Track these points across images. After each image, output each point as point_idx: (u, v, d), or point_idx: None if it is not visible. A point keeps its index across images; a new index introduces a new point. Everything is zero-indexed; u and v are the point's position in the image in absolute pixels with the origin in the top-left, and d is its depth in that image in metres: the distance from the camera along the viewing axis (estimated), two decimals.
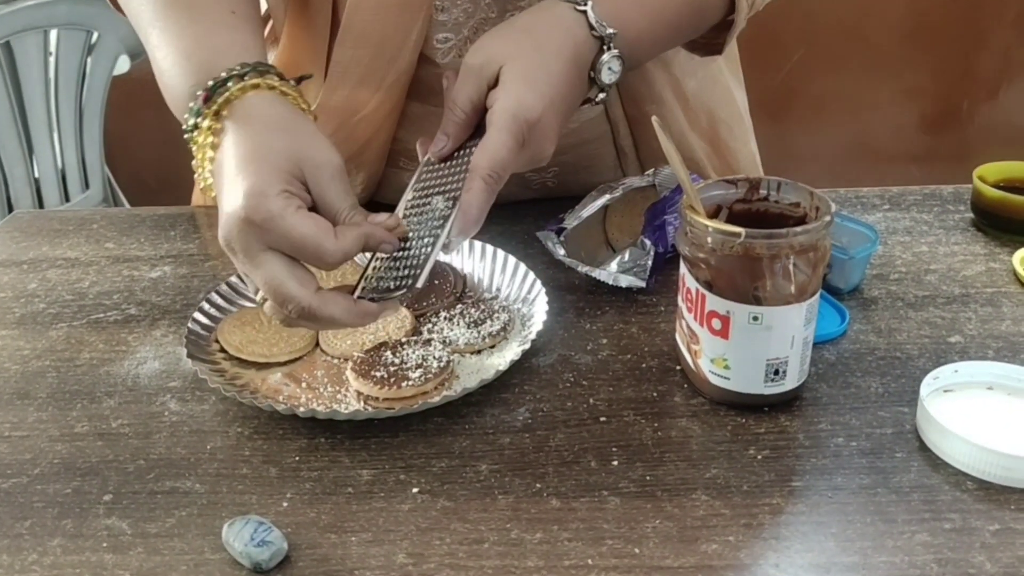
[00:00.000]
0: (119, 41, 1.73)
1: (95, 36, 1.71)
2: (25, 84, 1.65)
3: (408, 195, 0.60)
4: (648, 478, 0.52)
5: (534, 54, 0.59)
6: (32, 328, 0.70)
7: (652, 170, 0.78)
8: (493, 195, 0.57)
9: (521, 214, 0.81)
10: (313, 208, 0.54)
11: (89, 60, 1.73)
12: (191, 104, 0.56)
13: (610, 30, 0.61)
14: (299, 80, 0.60)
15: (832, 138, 2.17)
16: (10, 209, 1.69)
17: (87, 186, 1.84)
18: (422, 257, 0.54)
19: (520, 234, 0.77)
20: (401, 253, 0.56)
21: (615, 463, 0.54)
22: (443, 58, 0.72)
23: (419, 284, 0.53)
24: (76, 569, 0.47)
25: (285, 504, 0.51)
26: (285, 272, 0.51)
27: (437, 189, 0.59)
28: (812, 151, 2.19)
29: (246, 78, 0.55)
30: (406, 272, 0.54)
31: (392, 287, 0.54)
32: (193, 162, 0.57)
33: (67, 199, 1.81)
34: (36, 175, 1.75)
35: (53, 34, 1.66)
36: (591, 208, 0.74)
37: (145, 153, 2.18)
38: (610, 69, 0.62)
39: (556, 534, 0.49)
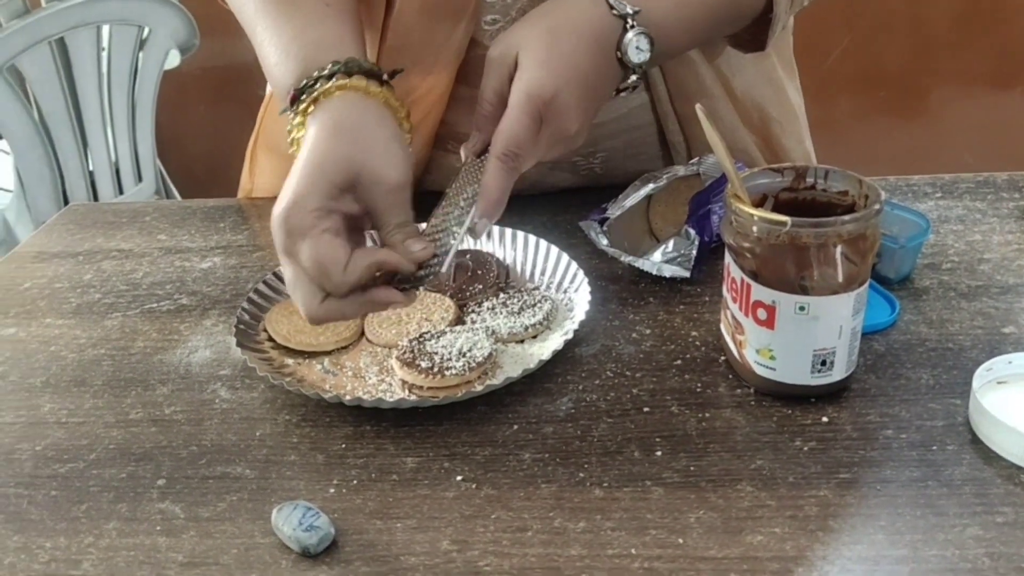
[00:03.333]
0: (169, 36, 1.76)
1: (146, 31, 1.74)
2: (79, 79, 1.69)
3: (445, 196, 0.61)
4: (692, 469, 0.52)
5: (547, 36, 0.59)
6: (88, 317, 0.72)
7: (697, 159, 0.77)
8: (512, 175, 0.57)
9: (564, 204, 0.81)
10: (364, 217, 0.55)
11: (141, 55, 1.76)
12: (281, 105, 0.58)
13: (630, 8, 0.60)
14: (392, 75, 0.60)
15: (885, 125, 2.12)
16: (66, 201, 1.73)
17: (140, 179, 1.88)
18: (447, 246, 0.56)
19: (563, 224, 0.77)
20: (432, 242, 0.57)
21: (659, 453, 0.53)
22: (491, 39, 0.73)
23: (443, 269, 0.55)
24: (131, 552, 0.49)
25: (332, 490, 0.52)
26: (301, 277, 0.54)
27: (469, 181, 0.59)
28: (864, 141, 2.15)
29: (334, 79, 0.56)
30: (433, 260, 0.56)
31: (420, 273, 0.55)
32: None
33: (121, 191, 1.85)
34: (91, 168, 1.79)
35: (105, 30, 1.69)
36: (635, 198, 0.74)
37: (195, 146, 2.23)
38: (638, 48, 0.61)
39: (599, 523, 0.49)
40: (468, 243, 0.74)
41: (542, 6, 0.62)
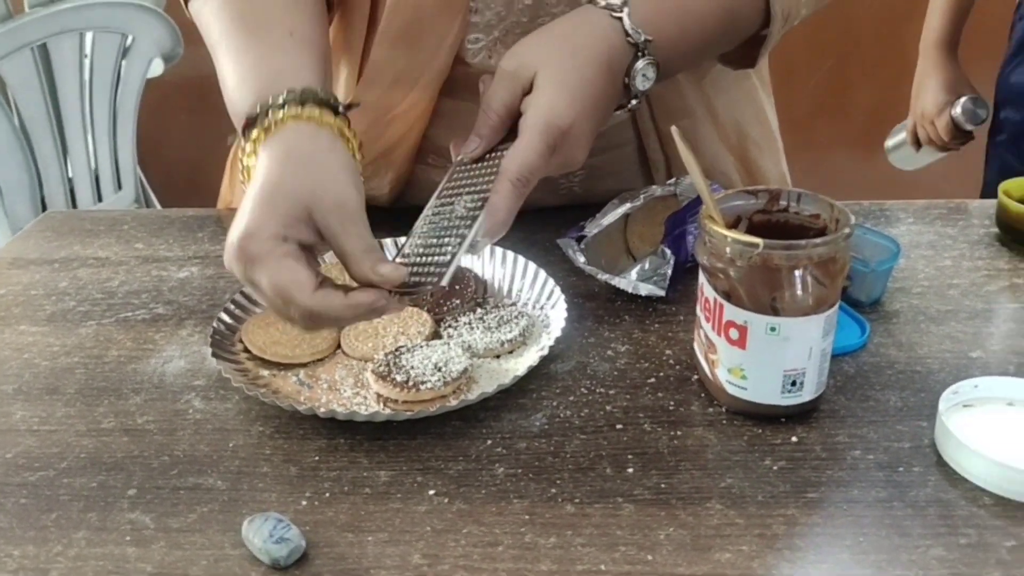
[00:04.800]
0: (153, 44, 1.76)
1: (130, 39, 1.74)
2: (61, 86, 1.68)
3: (437, 194, 0.61)
4: (663, 486, 0.53)
5: (569, 60, 0.59)
6: (62, 325, 0.71)
7: (674, 179, 0.78)
8: (521, 199, 0.58)
9: (543, 221, 0.81)
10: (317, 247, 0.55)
11: (124, 63, 1.76)
12: (247, 118, 0.57)
13: (645, 37, 0.61)
14: (348, 107, 0.60)
15: (861, 150, 2.15)
16: (44, 208, 1.72)
17: (120, 187, 1.87)
18: (448, 256, 0.55)
19: (541, 241, 0.78)
20: (429, 251, 0.57)
21: (630, 470, 0.54)
22: (473, 58, 0.73)
23: (443, 282, 0.54)
24: (100, 561, 0.49)
25: (304, 503, 0.52)
26: (266, 297, 0.53)
27: (467, 189, 0.59)
28: (840, 164, 2.18)
29: (286, 107, 0.56)
30: (431, 270, 0.55)
31: (418, 283, 0.55)
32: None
33: (100, 199, 1.84)
34: (70, 175, 1.78)
35: (89, 37, 1.69)
36: (612, 216, 0.74)
37: (176, 155, 2.22)
38: (644, 76, 0.62)
39: (570, 539, 0.49)
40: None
41: (558, 25, 0.63)
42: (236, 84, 0.60)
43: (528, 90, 0.59)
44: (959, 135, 1.35)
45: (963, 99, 1.32)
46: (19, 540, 0.50)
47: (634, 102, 0.64)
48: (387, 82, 0.74)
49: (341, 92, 0.80)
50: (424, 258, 0.57)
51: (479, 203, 0.57)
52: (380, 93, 0.74)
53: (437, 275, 0.54)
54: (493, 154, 0.61)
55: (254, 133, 0.56)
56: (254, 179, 0.55)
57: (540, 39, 0.62)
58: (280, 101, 0.56)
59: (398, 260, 0.58)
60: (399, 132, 0.77)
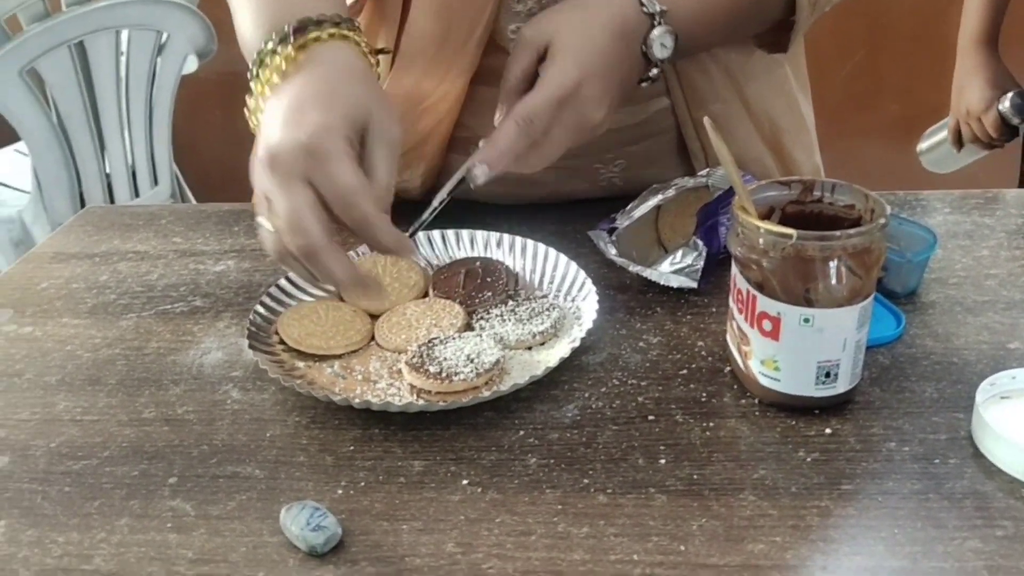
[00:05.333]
0: (187, 41, 1.78)
1: (164, 36, 1.76)
2: (98, 83, 1.71)
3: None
4: (695, 477, 0.53)
5: (580, 27, 0.63)
6: (103, 318, 0.73)
7: (706, 170, 0.78)
8: (522, 137, 0.60)
9: (574, 214, 0.82)
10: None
11: (159, 60, 1.79)
12: (273, 35, 0.56)
13: (659, 7, 0.64)
14: (377, 53, 0.63)
15: (894, 141, 2.12)
16: (83, 204, 1.75)
17: (156, 182, 1.90)
18: (451, 184, 0.62)
19: (572, 234, 0.78)
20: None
21: (663, 461, 0.54)
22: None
23: (435, 203, 0.62)
24: (142, 547, 0.50)
25: (340, 491, 0.53)
26: (313, 206, 0.52)
27: None
28: (873, 155, 2.15)
29: (340, 26, 0.57)
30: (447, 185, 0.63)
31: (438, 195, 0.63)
32: (250, 97, 0.58)
33: (137, 194, 1.87)
34: (107, 171, 1.81)
35: (124, 34, 1.72)
36: (643, 208, 0.74)
37: (211, 151, 2.24)
38: (662, 45, 0.65)
39: (602, 529, 0.49)
40: (478, 250, 0.75)
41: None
42: (255, 25, 0.61)
43: (544, 57, 0.63)
44: (1006, 131, 1.33)
45: (1010, 94, 1.30)
46: (63, 527, 0.52)
47: (655, 70, 0.66)
48: (418, 72, 0.75)
49: None
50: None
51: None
52: (412, 82, 0.75)
53: (451, 182, 0.61)
54: None
55: (302, 39, 0.56)
56: (306, 81, 0.55)
57: (558, 9, 0.65)
58: (333, 19, 0.57)
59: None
60: (430, 124, 0.78)
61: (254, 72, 0.58)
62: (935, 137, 1.46)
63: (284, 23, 0.57)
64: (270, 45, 0.57)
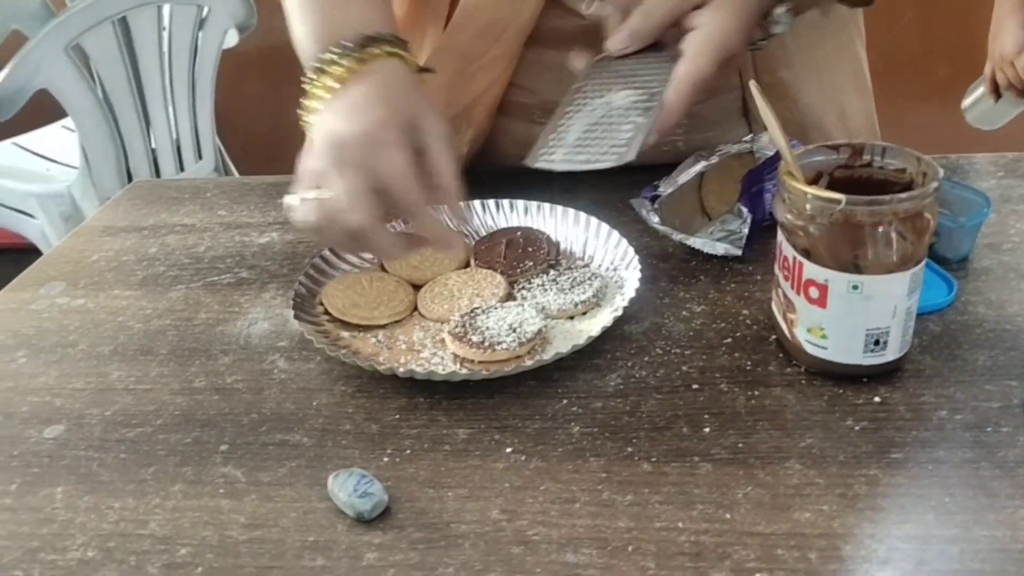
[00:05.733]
0: (228, 15, 1.79)
1: (206, 11, 1.77)
2: (141, 58, 1.73)
3: (578, 88, 0.66)
4: (740, 445, 0.52)
5: None
6: (153, 289, 0.74)
7: (750, 135, 0.77)
8: (690, 106, 0.62)
9: (615, 182, 0.81)
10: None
11: (200, 34, 1.80)
12: (333, 47, 0.60)
13: None
14: (423, 70, 0.65)
15: (947, 106, 2.07)
16: (130, 178, 1.78)
17: (200, 156, 1.92)
18: (627, 136, 0.60)
19: (614, 202, 0.77)
20: (593, 131, 0.62)
21: (707, 430, 0.54)
22: (587, 9, 0.74)
23: (629, 157, 0.59)
24: (196, 513, 0.51)
25: (386, 459, 0.54)
26: (368, 190, 0.55)
27: (621, 85, 0.64)
28: (924, 120, 2.09)
29: (395, 45, 0.61)
30: (603, 150, 0.60)
31: (591, 158, 0.60)
32: (305, 99, 0.61)
33: (182, 168, 1.89)
34: (153, 146, 1.84)
35: (166, 9, 1.73)
36: (687, 175, 0.73)
37: (253, 125, 2.27)
38: (782, 22, 0.66)
39: (647, 497, 0.49)
40: (518, 218, 0.74)
41: None
42: (312, 34, 0.63)
43: (699, 5, 0.63)
44: None
45: None
46: (120, 493, 0.53)
47: (764, 42, 0.67)
48: (473, 30, 0.75)
49: (427, 38, 0.83)
50: (590, 135, 0.61)
51: (645, 97, 0.62)
52: (467, 40, 0.75)
53: (615, 153, 0.59)
54: (639, 56, 0.66)
55: (364, 53, 0.59)
56: (369, 84, 0.59)
57: None
58: (390, 39, 0.61)
59: (550, 138, 0.63)
60: (482, 86, 0.78)
61: (312, 77, 0.61)
62: (976, 92, 1.41)
63: (343, 36, 0.60)
64: (329, 56, 0.60)
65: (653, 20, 0.64)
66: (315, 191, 0.56)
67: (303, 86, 0.61)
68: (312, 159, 0.57)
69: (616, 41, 0.65)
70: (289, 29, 0.66)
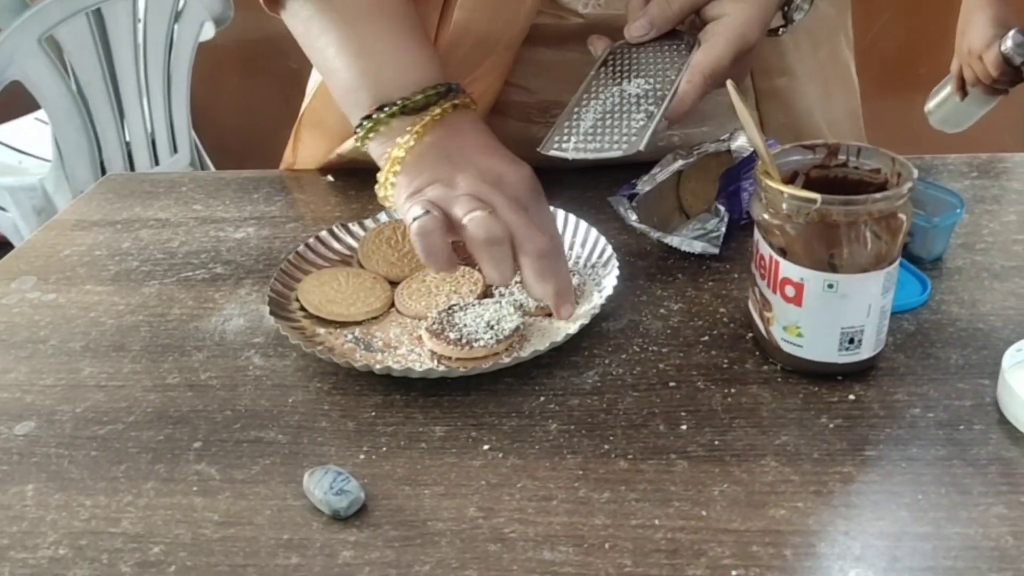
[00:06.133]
0: (204, 8, 1.77)
1: (181, 3, 1.76)
2: (116, 50, 1.71)
3: (595, 75, 0.66)
4: (717, 443, 0.53)
5: None
6: (126, 285, 0.73)
7: (728, 135, 0.77)
8: (703, 97, 0.62)
9: (594, 180, 0.81)
10: None
11: (176, 27, 1.78)
12: (417, 92, 0.61)
13: None
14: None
15: (923, 107, 2.09)
16: (103, 171, 1.76)
17: (175, 150, 1.90)
18: (639, 124, 0.60)
19: (593, 200, 0.77)
20: (606, 119, 0.61)
21: (684, 427, 0.54)
22: (585, 8, 0.74)
23: (641, 147, 0.59)
24: (169, 510, 0.50)
25: (362, 456, 0.53)
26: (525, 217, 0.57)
27: (636, 73, 0.64)
28: (901, 120, 2.12)
29: (462, 96, 0.63)
30: (614, 138, 0.60)
31: (602, 146, 0.60)
32: (386, 145, 0.61)
33: (156, 162, 1.87)
34: (127, 139, 1.82)
35: (141, 1, 1.71)
36: (664, 173, 0.74)
37: (229, 118, 2.25)
38: (803, 9, 0.66)
39: (623, 494, 0.49)
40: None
41: None
42: (356, 78, 0.64)
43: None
44: (1008, 72, 1.27)
45: (1013, 31, 1.24)
46: (91, 491, 0.52)
47: (783, 30, 0.67)
48: (468, 44, 0.74)
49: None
50: (602, 124, 0.61)
51: (658, 86, 0.62)
52: (461, 56, 0.75)
53: (626, 143, 0.59)
54: (657, 44, 0.66)
55: (455, 99, 0.62)
56: (475, 130, 0.62)
57: None
58: (446, 90, 0.62)
59: (564, 125, 0.62)
60: (477, 92, 0.77)
61: (396, 111, 0.62)
62: (942, 92, 1.41)
63: (401, 89, 0.62)
64: (418, 99, 0.61)
65: (673, 8, 0.64)
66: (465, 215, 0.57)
67: (363, 139, 0.63)
68: (470, 187, 0.58)
69: (635, 28, 0.65)
70: (320, 65, 0.66)
